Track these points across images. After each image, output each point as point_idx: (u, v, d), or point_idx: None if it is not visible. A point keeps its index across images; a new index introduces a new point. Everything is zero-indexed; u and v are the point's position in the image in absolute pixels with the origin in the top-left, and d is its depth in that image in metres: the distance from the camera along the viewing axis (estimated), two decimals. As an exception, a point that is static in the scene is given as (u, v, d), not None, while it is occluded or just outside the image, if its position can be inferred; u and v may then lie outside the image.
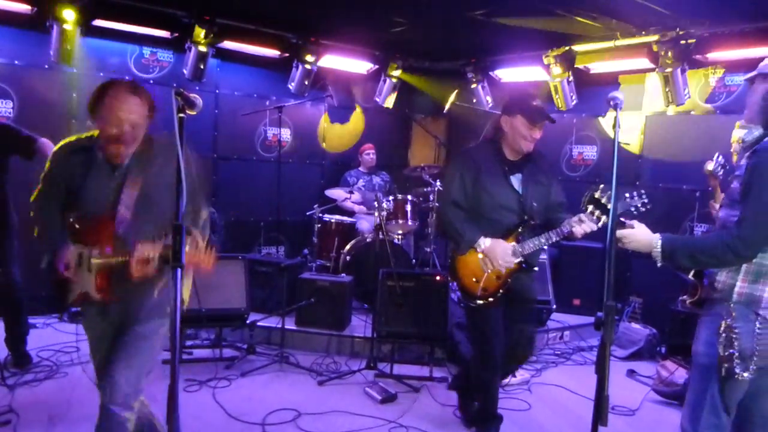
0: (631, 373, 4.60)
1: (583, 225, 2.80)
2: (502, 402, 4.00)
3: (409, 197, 5.89)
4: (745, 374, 2.10)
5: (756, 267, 2.13)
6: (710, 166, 3.26)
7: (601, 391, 1.89)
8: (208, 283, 4.44)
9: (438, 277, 4.69)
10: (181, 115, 1.69)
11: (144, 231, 2.26)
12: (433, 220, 6.17)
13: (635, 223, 2.36)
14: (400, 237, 5.97)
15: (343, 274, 5.28)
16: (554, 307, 5.37)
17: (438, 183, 6.13)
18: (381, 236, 4.93)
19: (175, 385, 1.60)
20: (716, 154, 3.28)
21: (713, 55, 5.15)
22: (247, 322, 4.64)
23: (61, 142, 2.41)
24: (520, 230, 3.10)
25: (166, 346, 4.77)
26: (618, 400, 4.04)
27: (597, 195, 2.47)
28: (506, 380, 4.30)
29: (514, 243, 3.08)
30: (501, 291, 3.12)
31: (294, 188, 6.69)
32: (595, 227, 2.76)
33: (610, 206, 2.40)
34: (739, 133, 3.04)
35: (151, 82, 5.93)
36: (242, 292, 4.63)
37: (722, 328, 2.13)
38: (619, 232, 2.36)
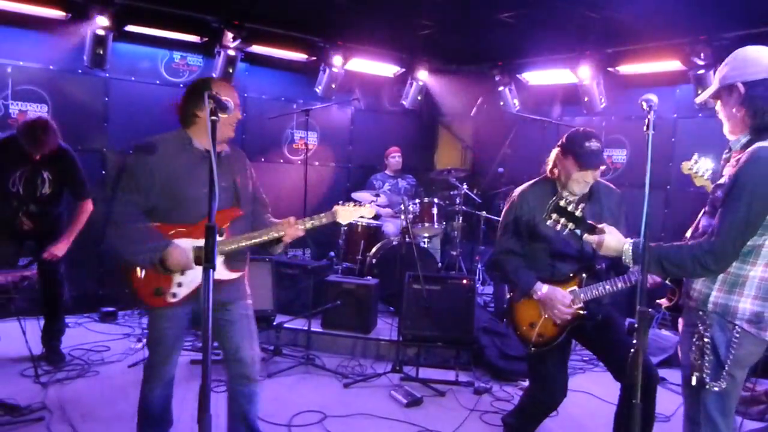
0: (661, 380, 4.51)
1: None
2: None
3: (435, 200, 5.88)
4: (715, 385, 2.02)
5: (732, 277, 2.04)
6: (687, 165, 3.08)
7: (630, 399, 1.86)
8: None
9: (464, 281, 4.66)
10: (214, 118, 1.71)
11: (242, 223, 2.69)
12: (459, 224, 6.15)
13: (605, 227, 2.28)
14: (426, 240, 5.96)
15: (368, 277, 5.28)
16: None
17: (465, 186, 6.11)
18: (407, 239, 4.93)
19: (207, 385, 1.61)
20: (695, 154, 3.15)
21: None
22: (274, 323, 4.67)
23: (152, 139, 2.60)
24: (583, 276, 2.86)
25: (196, 347, 4.81)
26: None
27: (562, 204, 2.34)
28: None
29: (575, 288, 2.84)
30: (559, 339, 2.89)
31: (320, 191, 6.73)
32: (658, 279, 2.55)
33: (578, 213, 2.32)
34: (689, 165, 2.93)
35: (181, 86, 6.01)
36: (269, 293, 4.66)
37: (695, 338, 2.07)
38: (589, 238, 2.30)
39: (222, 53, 5.75)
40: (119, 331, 5.14)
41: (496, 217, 6.15)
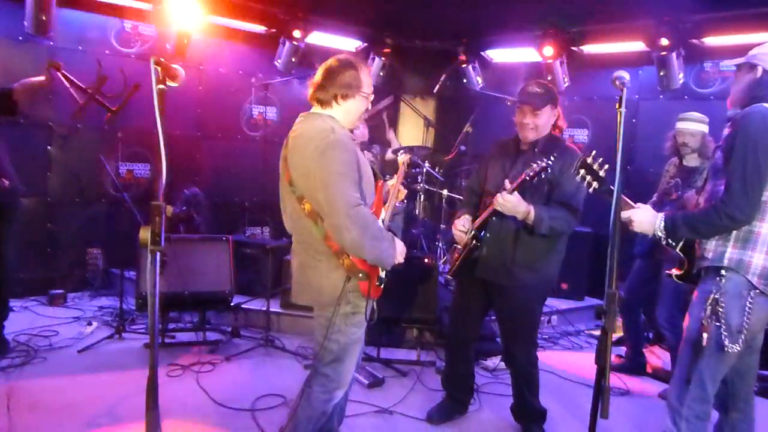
0: (619, 357, 4.58)
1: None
2: (491, 387, 3.99)
3: (398, 178, 5.78)
4: (735, 347, 2.18)
5: (744, 234, 2.21)
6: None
7: (601, 381, 1.82)
8: (192, 264, 4.33)
9: (426, 260, 4.61)
10: (161, 86, 1.57)
11: None
12: (421, 202, 6.09)
13: (639, 205, 2.39)
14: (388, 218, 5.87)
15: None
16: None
17: (427, 164, 6.04)
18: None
19: (154, 373, 1.50)
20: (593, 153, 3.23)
21: (709, 40, 5.07)
22: (232, 304, 4.54)
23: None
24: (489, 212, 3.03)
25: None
26: (612, 381, 4.01)
27: (589, 160, 2.41)
28: (494, 364, 4.27)
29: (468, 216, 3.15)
30: (456, 265, 3.22)
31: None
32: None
33: (601, 173, 2.39)
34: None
35: (133, 56, 5.73)
36: (226, 274, 4.51)
37: (709, 301, 2.21)
38: (626, 214, 2.38)
39: (176, 23, 5.48)
40: (68, 314, 4.92)
41: (458, 196, 6.11)
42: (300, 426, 2.48)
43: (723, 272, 2.22)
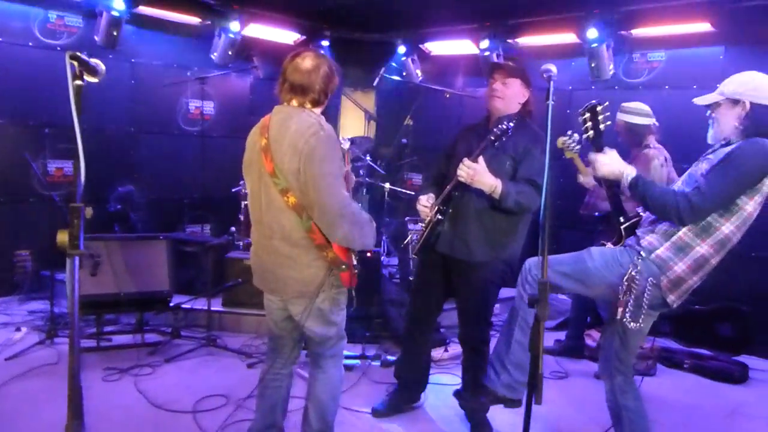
0: (558, 342, 4.71)
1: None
2: (434, 377, 4.02)
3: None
4: (632, 324, 2.33)
5: (682, 244, 2.34)
6: (561, 140, 3.38)
7: (535, 369, 1.87)
8: (128, 265, 4.19)
9: (369, 253, 4.61)
10: (79, 82, 1.49)
11: None
12: (363, 195, 6.08)
13: (607, 149, 2.50)
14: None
15: (272, 253, 5.11)
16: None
17: (368, 157, 6.04)
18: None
19: (76, 382, 1.43)
20: (569, 131, 3.38)
21: (637, 32, 5.25)
22: (171, 305, 4.41)
23: None
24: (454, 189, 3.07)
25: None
26: (551, 365, 4.21)
27: (599, 108, 2.53)
28: (438, 355, 4.32)
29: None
30: (420, 242, 3.24)
31: (220, 163, 6.39)
32: None
33: (602, 127, 2.52)
34: (563, 140, 3.36)
35: (59, 49, 5.47)
36: (165, 273, 4.38)
37: (626, 276, 2.33)
38: (592, 156, 2.51)
39: (104, 13, 5.25)
40: (-5, 320, 4.69)
41: (400, 189, 6.14)
42: (330, 407, 2.65)
43: (643, 254, 2.37)
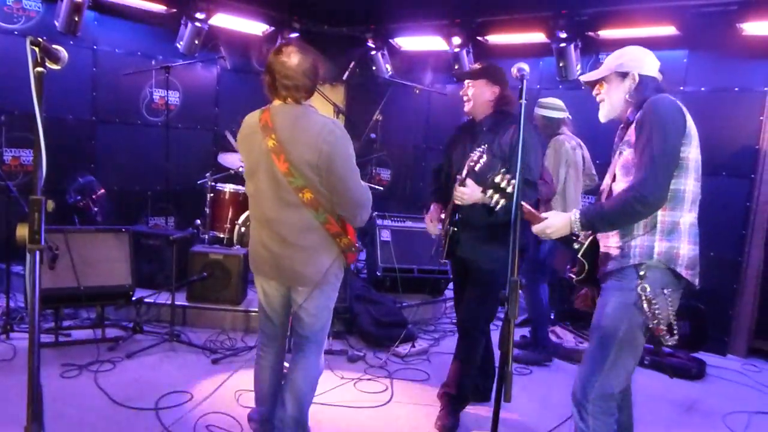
0: (522, 338, 4.77)
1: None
2: (401, 373, 4.04)
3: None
4: (672, 339, 2.23)
5: (668, 225, 2.21)
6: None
7: (504, 366, 1.88)
8: (88, 258, 4.08)
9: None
10: (40, 69, 1.43)
11: None
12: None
13: (545, 213, 2.39)
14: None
15: (237, 246, 5.04)
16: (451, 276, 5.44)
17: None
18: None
19: (36, 382, 1.38)
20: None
21: (604, 33, 5.34)
22: (133, 299, 4.32)
23: None
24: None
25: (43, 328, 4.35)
26: (516, 363, 4.17)
27: (497, 179, 2.38)
28: (405, 351, 4.33)
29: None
30: (443, 255, 3.32)
31: (184, 155, 6.27)
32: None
33: (509, 190, 2.35)
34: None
35: (16, 33, 5.27)
36: (126, 267, 4.28)
37: (644, 303, 2.19)
38: (540, 227, 2.37)
39: (65, -2, 5.09)
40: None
41: (369, 184, 6.11)
42: (308, 396, 2.69)
43: (641, 272, 2.21)
